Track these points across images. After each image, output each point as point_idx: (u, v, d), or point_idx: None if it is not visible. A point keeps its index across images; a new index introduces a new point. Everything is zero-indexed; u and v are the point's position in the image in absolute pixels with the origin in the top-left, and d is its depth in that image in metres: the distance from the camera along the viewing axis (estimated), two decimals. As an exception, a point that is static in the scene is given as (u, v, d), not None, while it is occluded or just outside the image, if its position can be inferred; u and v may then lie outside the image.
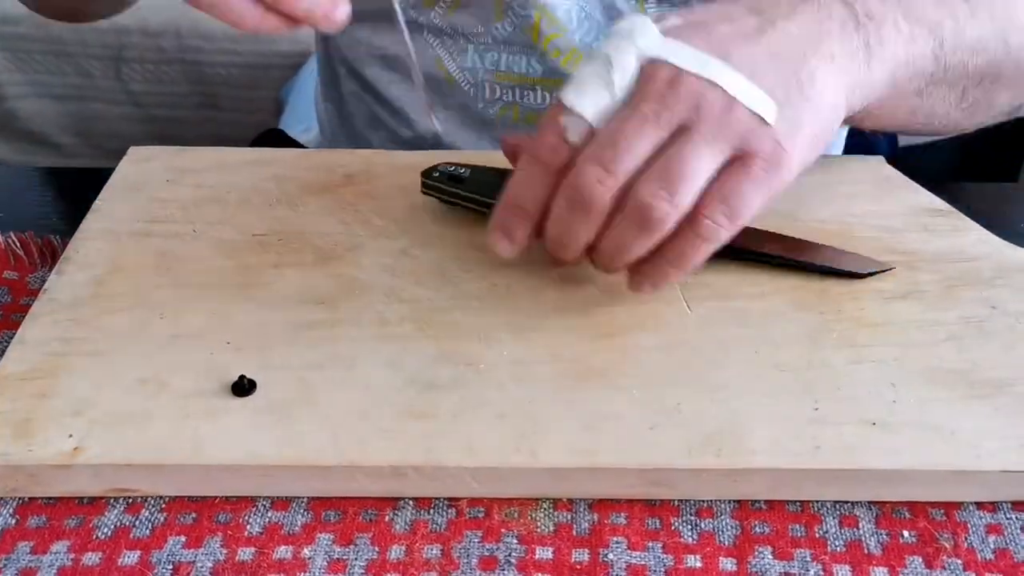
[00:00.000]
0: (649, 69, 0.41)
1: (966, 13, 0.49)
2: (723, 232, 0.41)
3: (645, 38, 0.42)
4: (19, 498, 0.39)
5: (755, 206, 0.41)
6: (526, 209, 0.43)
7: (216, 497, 0.39)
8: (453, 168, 0.53)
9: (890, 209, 0.55)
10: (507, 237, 0.44)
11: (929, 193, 0.56)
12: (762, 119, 0.41)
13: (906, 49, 0.46)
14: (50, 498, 0.39)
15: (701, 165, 0.40)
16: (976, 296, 0.48)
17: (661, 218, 0.40)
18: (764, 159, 0.40)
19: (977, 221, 0.54)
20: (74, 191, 0.58)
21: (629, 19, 0.43)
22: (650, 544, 0.38)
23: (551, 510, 0.39)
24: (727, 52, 0.41)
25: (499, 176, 0.47)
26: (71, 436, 0.39)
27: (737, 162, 0.41)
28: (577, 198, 0.41)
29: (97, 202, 0.54)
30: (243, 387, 0.41)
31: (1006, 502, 0.40)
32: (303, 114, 0.91)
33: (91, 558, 0.37)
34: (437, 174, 0.53)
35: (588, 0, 0.64)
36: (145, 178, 0.56)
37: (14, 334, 0.44)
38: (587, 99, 0.41)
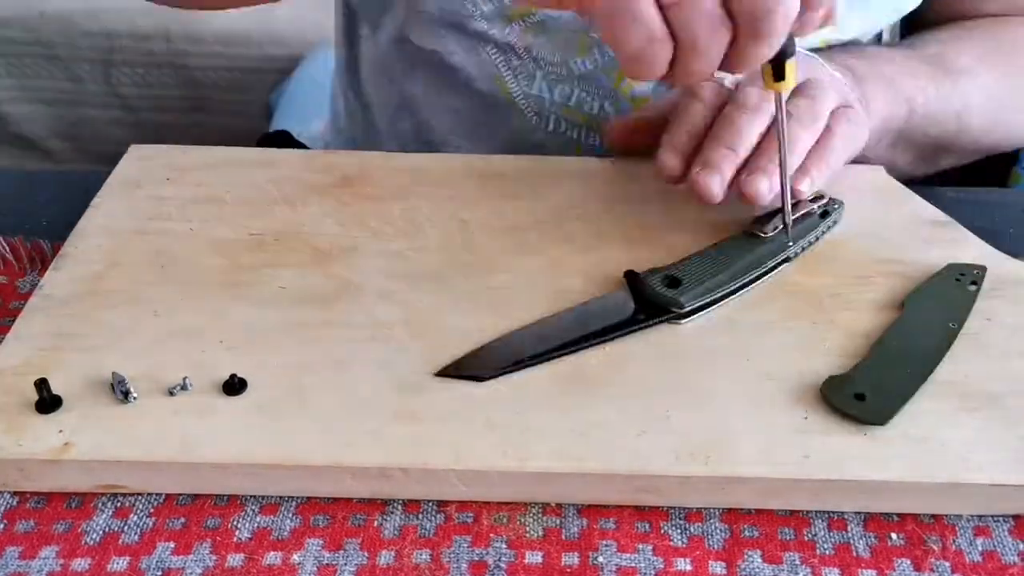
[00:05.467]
0: None
1: (933, 94, 0.61)
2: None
3: None
4: (7, 504, 0.39)
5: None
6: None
7: (205, 500, 0.39)
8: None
9: (889, 219, 0.55)
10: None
11: (929, 205, 0.56)
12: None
13: (888, 108, 0.58)
14: (39, 501, 0.39)
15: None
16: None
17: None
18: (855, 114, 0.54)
19: (967, 226, 0.54)
20: (64, 196, 0.58)
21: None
22: (640, 547, 0.38)
23: (540, 515, 0.39)
24: None
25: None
26: (61, 431, 0.39)
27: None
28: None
29: (96, 199, 0.54)
30: (234, 386, 0.41)
31: (995, 516, 0.40)
32: (296, 117, 0.91)
33: (80, 564, 0.37)
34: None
35: None
36: (145, 176, 0.56)
37: (3, 338, 0.44)
38: None
